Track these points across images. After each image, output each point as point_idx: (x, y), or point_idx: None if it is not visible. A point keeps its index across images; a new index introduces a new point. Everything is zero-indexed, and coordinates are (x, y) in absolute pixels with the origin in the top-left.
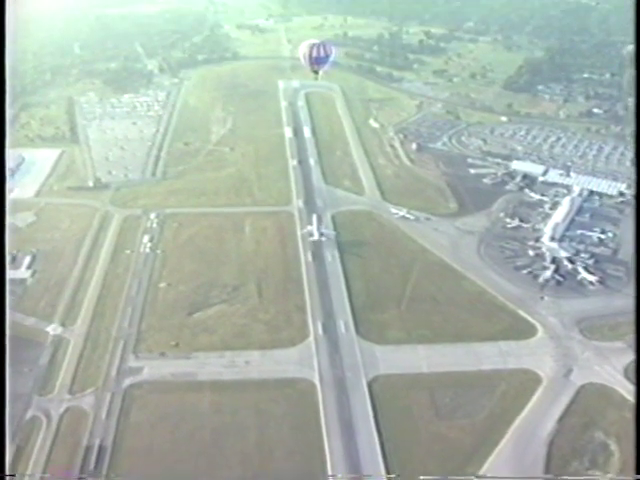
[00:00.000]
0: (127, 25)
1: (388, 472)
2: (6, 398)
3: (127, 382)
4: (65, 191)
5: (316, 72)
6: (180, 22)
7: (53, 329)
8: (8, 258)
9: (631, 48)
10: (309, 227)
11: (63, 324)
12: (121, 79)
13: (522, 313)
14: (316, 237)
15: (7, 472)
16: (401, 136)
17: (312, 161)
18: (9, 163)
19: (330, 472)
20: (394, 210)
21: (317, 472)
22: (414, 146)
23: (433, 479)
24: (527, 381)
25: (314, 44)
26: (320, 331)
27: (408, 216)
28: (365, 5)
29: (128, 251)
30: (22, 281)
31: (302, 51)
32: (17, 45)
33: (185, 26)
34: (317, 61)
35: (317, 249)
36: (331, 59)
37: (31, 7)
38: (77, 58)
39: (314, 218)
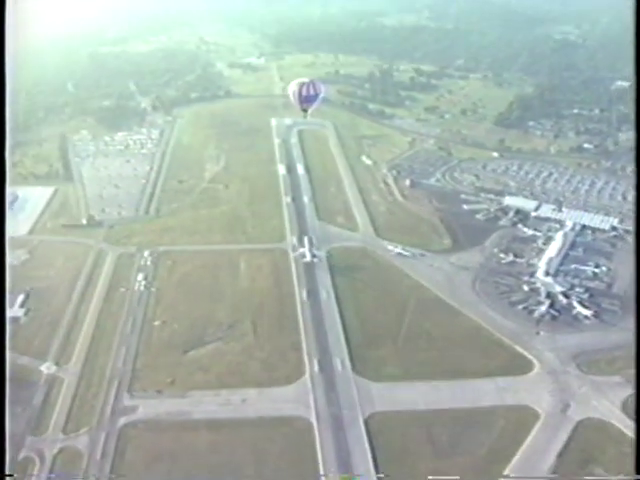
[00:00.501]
0: (120, 63)
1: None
2: (6, 398)
3: (122, 421)
4: (59, 229)
5: (305, 110)
6: (173, 61)
7: (47, 368)
8: None
9: (619, 84)
10: (301, 249)
11: (57, 363)
12: (114, 117)
13: (518, 348)
14: (308, 259)
15: (7, 472)
16: (394, 172)
17: (306, 198)
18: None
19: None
20: (390, 247)
21: None
22: (407, 182)
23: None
24: (525, 417)
25: (303, 83)
26: (316, 368)
27: (404, 253)
28: (356, 43)
29: (122, 289)
30: (16, 319)
31: (292, 90)
32: (10, 83)
33: (178, 65)
34: (307, 100)
35: (312, 287)
36: (320, 97)
37: (25, 45)
38: (70, 96)
39: (306, 240)
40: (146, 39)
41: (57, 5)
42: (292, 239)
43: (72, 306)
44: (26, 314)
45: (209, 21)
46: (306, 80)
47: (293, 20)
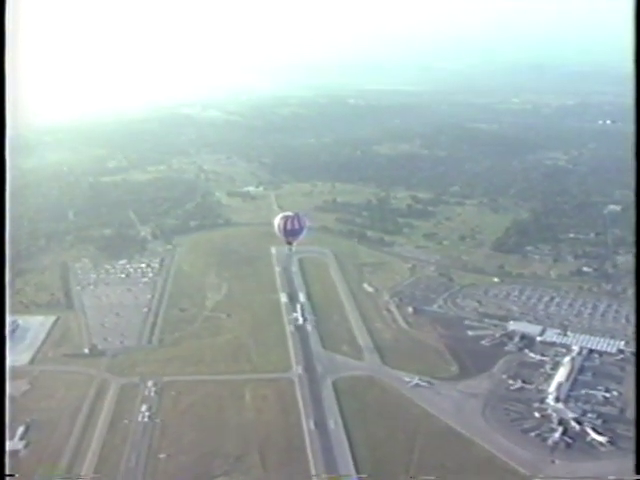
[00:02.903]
0: (120, 193)
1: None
2: (6, 398)
3: None
4: (60, 358)
5: (290, 243)
6: (172, 190)
7: None
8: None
9: (612, 208)
10: (294, 314)
11: None
12: (115, 245)
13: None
14: (301, 322)
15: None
16: (396, 300)
17: (309, 327)
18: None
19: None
20: (407, 379)
21: None
22: (410, 309)
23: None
24: None
25: (288, 217)
26: None
27: (422, 384)
28: (352, 172)
29: (126, 420)
30: (15, 453)
31: (277, 223)
32: (12, 212)
33: (177, 193)
34: (291, 233)
35: (319, 417)
36: (305, 231)
37: (27, 174)
38: (71, 224)
39: (298, 306)
40: (145, 169)
41: (59, 140)
42: (298, 368)
43: (74, 438)
44: (26, 447)
45: (207, 151)
46: (290, 214)
47: (289, 150)
